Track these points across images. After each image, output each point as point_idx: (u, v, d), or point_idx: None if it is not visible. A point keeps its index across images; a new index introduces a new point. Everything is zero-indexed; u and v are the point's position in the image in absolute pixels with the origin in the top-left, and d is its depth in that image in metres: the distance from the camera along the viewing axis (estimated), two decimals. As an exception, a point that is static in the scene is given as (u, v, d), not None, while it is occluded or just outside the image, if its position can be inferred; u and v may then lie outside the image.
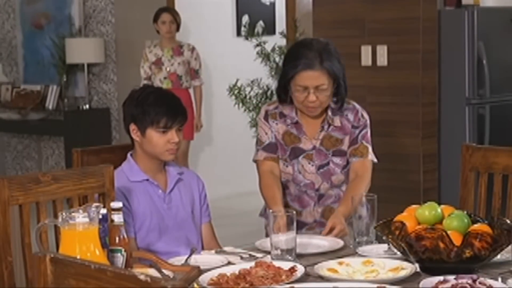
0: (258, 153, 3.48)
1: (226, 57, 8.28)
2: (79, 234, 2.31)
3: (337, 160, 3.44)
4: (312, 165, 3.43)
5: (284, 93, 3.41)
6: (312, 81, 3.30)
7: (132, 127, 3.16)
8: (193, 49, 7.20)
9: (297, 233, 2.81)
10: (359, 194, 3.05)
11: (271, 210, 2.88)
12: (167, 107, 3.13)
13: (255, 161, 3.50)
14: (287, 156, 3.45)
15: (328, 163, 3.44)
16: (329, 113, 3.43)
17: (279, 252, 2.75)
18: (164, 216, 3.18)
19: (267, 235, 3.50)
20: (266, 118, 3.48)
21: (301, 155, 3.44)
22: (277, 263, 2.62)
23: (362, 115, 3.48)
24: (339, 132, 3.45)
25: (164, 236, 3.17)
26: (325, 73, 3.30)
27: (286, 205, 3.47)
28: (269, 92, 6.73)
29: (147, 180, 3.18)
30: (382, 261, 2.65)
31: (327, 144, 3.44)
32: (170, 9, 7.35)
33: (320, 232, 3.24)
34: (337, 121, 3.44)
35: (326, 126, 3.44)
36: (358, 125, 3.46)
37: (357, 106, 3.51)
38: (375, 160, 3.50)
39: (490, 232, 2.54)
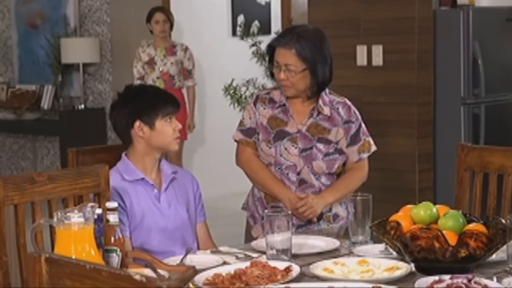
0: (235, 133, 3.61)
1: (221, 57, 8.26)
2: (74, 234, 2.31)
3: (320, 146, 3.51)
4: (296, 148, 3.50)
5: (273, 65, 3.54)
6: (282, 59, 3.43)
7: (137, 124, 3.15)
8: (186, 49, 7.20)
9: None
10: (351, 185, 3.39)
11: (266, 211, 2.87)
12: (164, 95, 3.23)
13: (236, 140, 3.63)
14: (271, 138, 3.52)
15: (311, 148, 3.51)
16: (320, 102, 3.50)
17: (274, 252, 2.75)
18: (159, 215, 3.17)
19: (248, 230, 3.56)
20: (255, 102, 3.58)
21: (286, 137, 3.51)
22: (272, 263, 2.62)
23: (354, 111, 3.57)
24: (327, 122, 3.52)
25: (160, 236, 3.16)
26: (295, 54, 3.40)
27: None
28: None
29: (142, 179, 3.17)
30: (378, 261, 2.65)
31: (313, 131, 3.52)
32: (163, 8, 7.34)
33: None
34: (327, 111, 3.51)
35: (315, 114, 3.52)
36: (353, 121, 3.54)
37: (348, 101, 3.58)
38: (375, 148, 3.62)
39: (485, 232, 2.54)
